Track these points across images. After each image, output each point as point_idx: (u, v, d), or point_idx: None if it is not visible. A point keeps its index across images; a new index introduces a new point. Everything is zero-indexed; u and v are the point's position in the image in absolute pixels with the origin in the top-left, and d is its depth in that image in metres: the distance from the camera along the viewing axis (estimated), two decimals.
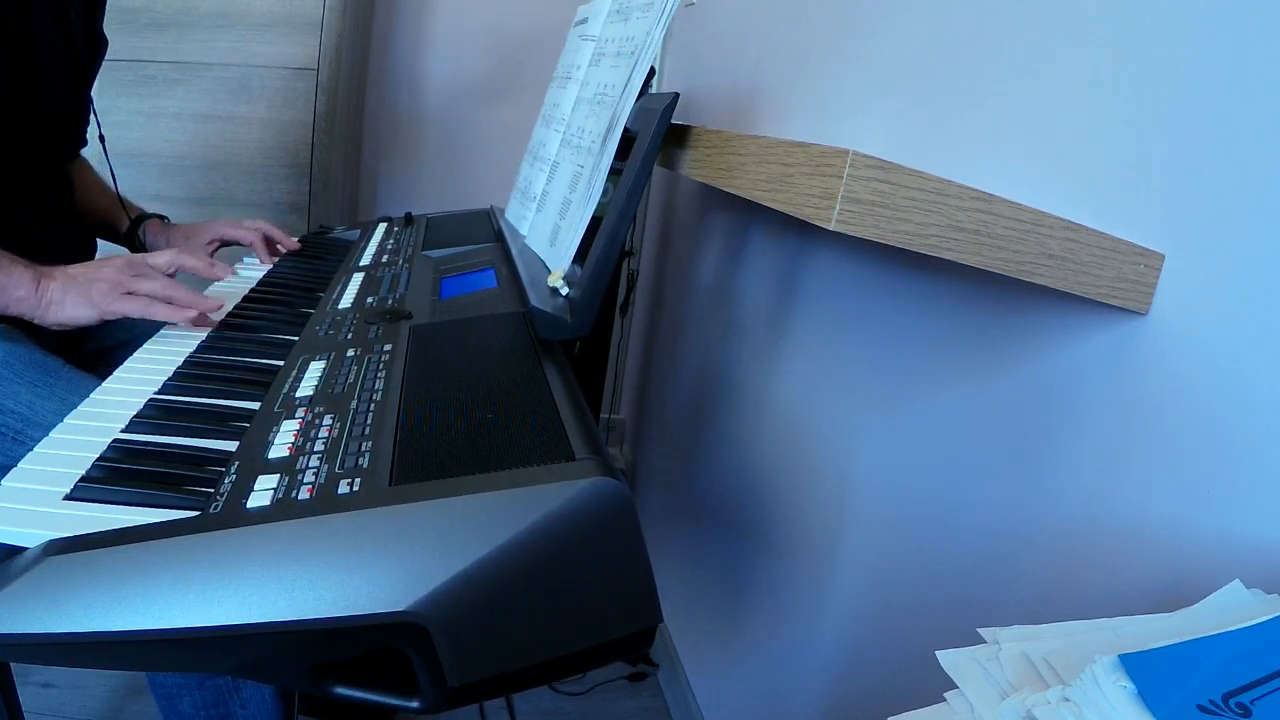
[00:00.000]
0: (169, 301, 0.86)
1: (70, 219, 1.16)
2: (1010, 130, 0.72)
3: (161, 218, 1.29)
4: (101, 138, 1.17)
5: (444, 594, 0.47)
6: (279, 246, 1.24)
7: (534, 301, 0.75)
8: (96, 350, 1.09)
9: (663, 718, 1.64)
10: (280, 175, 1.73)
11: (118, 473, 0.58)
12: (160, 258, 0.91)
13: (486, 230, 1.22)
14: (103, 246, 1.22)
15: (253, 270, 1.14)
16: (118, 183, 1.26)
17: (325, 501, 0.51)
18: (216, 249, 1.25)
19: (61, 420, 0.65)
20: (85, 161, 1.28)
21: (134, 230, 1.25)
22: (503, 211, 1.27)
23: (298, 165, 1.73)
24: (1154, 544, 0.56)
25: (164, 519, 0.52)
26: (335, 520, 0.49)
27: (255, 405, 0.68)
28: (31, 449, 0.59)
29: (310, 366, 0.74)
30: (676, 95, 0.78)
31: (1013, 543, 0.70)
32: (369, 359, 0.74)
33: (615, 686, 1.71)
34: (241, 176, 1.72)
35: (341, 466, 0.55)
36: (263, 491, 0.53)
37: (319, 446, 0.59)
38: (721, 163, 0.75)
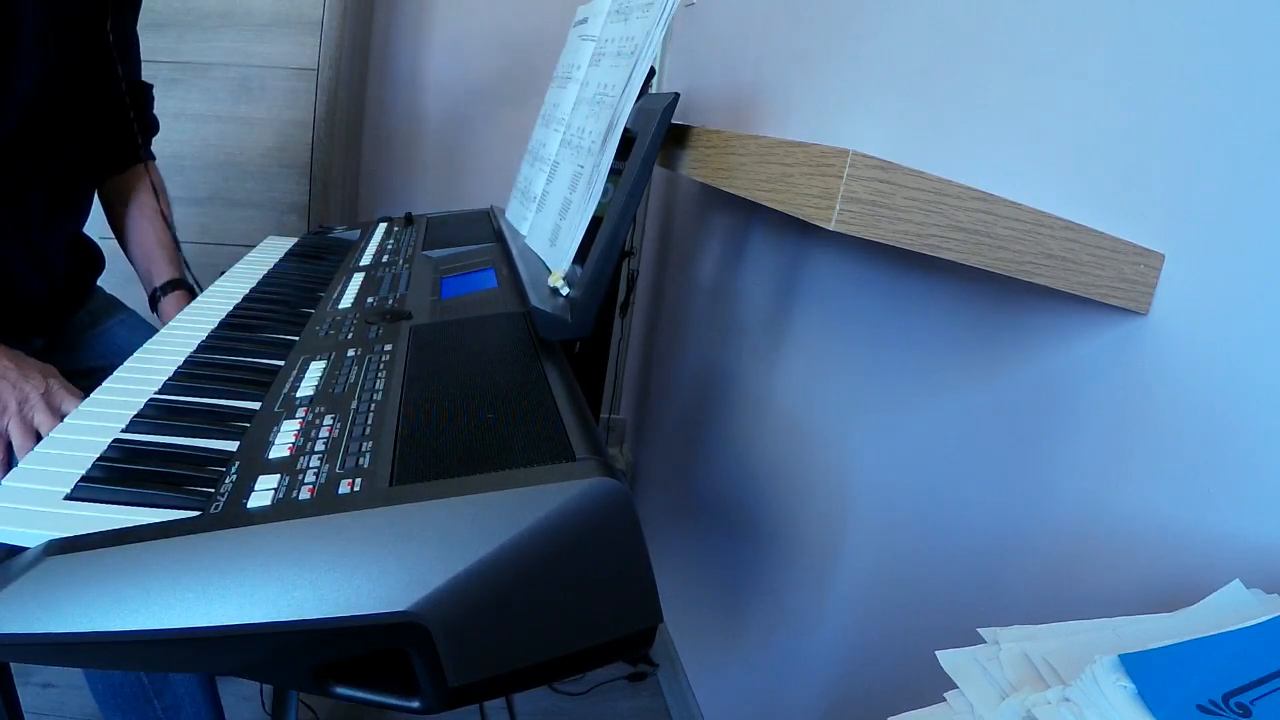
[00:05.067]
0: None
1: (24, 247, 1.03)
2: (1010, 130, 0.72)
3: (193, 295, 1.16)
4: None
5: (445, 594, 0.47)
6: None
7: (534, 301, 0.75)
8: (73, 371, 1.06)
9: (663, 718, 1.64)
10: (280, 175, 1.73)
11: (118, 472, 0.58)
12: (72, 405, 0.78)
13: (486, 230, 1.22)
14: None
15: (252, 267, 1.14)
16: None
17: (326, 501, 0.51)
18: None
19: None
20: (144, 194, 1.19)
21: (156, 296, 1.16)
22: (503, 211, 1.27)
23: (298, 165, 1.73)
24: (1154, 544, 0.56)
25: (164, 519, 0.52)
26: (336, 520, 0.49)
27: (256, 405, 0.68)
28: None
29: (310, 366, 0.74)
30: (676, 95, 0.78)
31: (1013, 543, 0.70)
32: (369, 359, 0.74)
33: (615, 686, 1.71)
34: (241, 176, 1.72)
35: (342, 466, 0.55)
36: (263, 491, 0.53)
37: (319, 446, 0.59)
38: (721, 163, 0.75)
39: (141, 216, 1.19)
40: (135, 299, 1.23)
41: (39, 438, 0.77)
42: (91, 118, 1.06)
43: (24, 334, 1.04)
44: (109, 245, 1.25)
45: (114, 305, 1.21)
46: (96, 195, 1.21)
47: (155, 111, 1.26)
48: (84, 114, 1.04)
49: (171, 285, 1.17)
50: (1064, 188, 0.65)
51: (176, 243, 1.22)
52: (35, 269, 1.04)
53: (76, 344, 1.14)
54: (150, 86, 1.23)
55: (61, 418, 0.77)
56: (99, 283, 1.23)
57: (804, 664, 1.05)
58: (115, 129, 1.13)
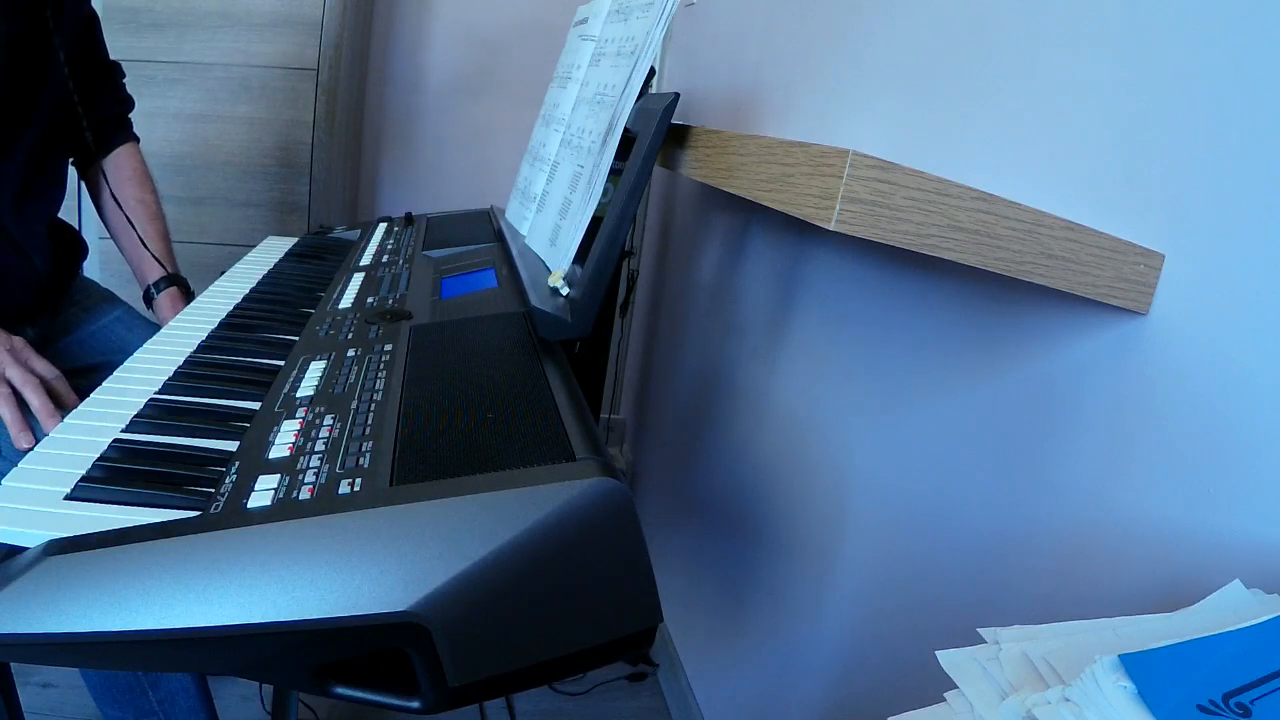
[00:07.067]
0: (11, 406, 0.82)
1: None
2: (1010, 130, 0.72)
3: (186, 289, 1.18)
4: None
5: (445, 594, 0.47)
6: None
7: (534, 301, 0.75)
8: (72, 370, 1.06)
9: (663, 718, 1.64)
10: (280, 175, 1.73)
11: (118, 473, 0.58)
12: (47, 369, 0.85)
13: (486, 230, 1.22)
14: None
15: (252, 267, 1.14)
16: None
17: (326, 501, 0.51)
18: None
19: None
20: (126, 185, 1.17)
21: (150, 294, 1.16)
22: (503, 211, 1.27)
23: (298, 165, 1.73)
24: (1154, 544, 0.56)
25: (164, 519, 0.52)
26: (336, 520, 0.49)
27: (256, 405, 0.68)
28: None
29: (311, 366, 0.74)
30: (676, 95, 0.78)
31: (1013, 543, 0.70)
32: (369, 359, 0.74)
33: (615, 686, 1.71)
34: (241, 176, 1.72)
35: (342, 466, 0.55)
36: (263, 491, 0.53)
37: (320, 446, 0.59)
38: (721, 163, 0.75)
39: (125, 209, 1.17)
40: (131, 296, 1.22)
41: (13, 388, 0.82)
42: (50, 96, 1.03)
43: (14, 323, 1.04)
44: (105, 243, 1.24)
45: (108, 299, 1.20)
46: (84, 187, 1.20)
47: (153, 110, 1.24)
48: (40, 92, 1.01)
49: (165, 282, 1.17)
50: (1064, 188, 0.65)
51: (165, 231, 1.21)
52: (15, 254, 1.04)
53: (72, 341, 1.14)
54: (117, 65, 1.20)
55: (32, 371, 0.84)
56: (93, 278, 1.23)
57: (804, 664, 1.05)
58: (85, 110, 1.10)
